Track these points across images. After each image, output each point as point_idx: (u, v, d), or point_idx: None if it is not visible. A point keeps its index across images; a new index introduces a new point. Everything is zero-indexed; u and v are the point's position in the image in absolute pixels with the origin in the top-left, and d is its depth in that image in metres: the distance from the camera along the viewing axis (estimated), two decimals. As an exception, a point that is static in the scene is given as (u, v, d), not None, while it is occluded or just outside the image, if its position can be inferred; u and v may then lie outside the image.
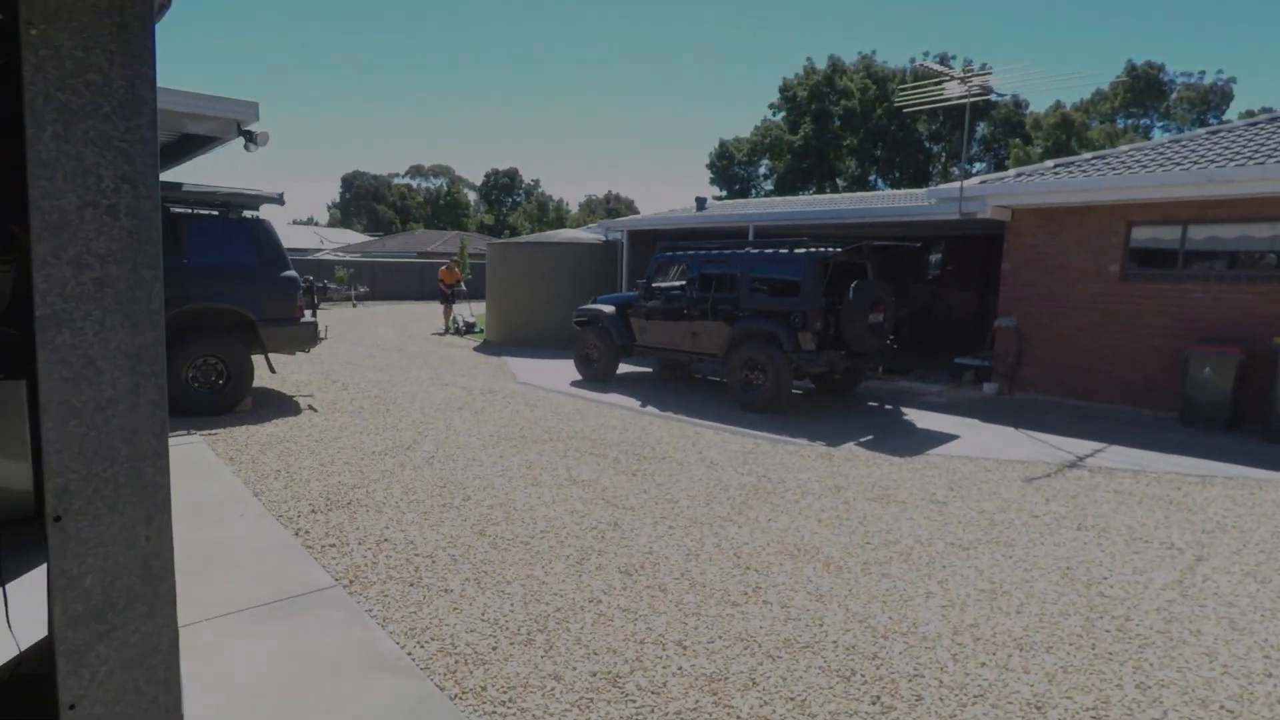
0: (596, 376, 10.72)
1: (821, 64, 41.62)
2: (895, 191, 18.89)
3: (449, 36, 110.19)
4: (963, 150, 12.31)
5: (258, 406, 7.78)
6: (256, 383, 9.01)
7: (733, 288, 9.06)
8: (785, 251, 8.65)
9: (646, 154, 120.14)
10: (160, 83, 1.58)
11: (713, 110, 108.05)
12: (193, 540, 4.16)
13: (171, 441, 6.26)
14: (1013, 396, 9.64)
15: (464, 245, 27.65)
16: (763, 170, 45.57)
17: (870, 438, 7.44)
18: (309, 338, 7.86)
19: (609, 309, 10.65)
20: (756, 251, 8.96)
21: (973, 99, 9.77)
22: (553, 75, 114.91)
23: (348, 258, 33.25)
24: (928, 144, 39.62)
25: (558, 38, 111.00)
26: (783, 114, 43.54)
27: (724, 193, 44.21)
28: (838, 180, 41.09)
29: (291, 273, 7.71)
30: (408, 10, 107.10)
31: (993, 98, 9.84)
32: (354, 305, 26.30)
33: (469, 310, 19.00)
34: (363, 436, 6.72)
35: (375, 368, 11.16)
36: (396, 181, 76.97)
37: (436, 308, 20.94)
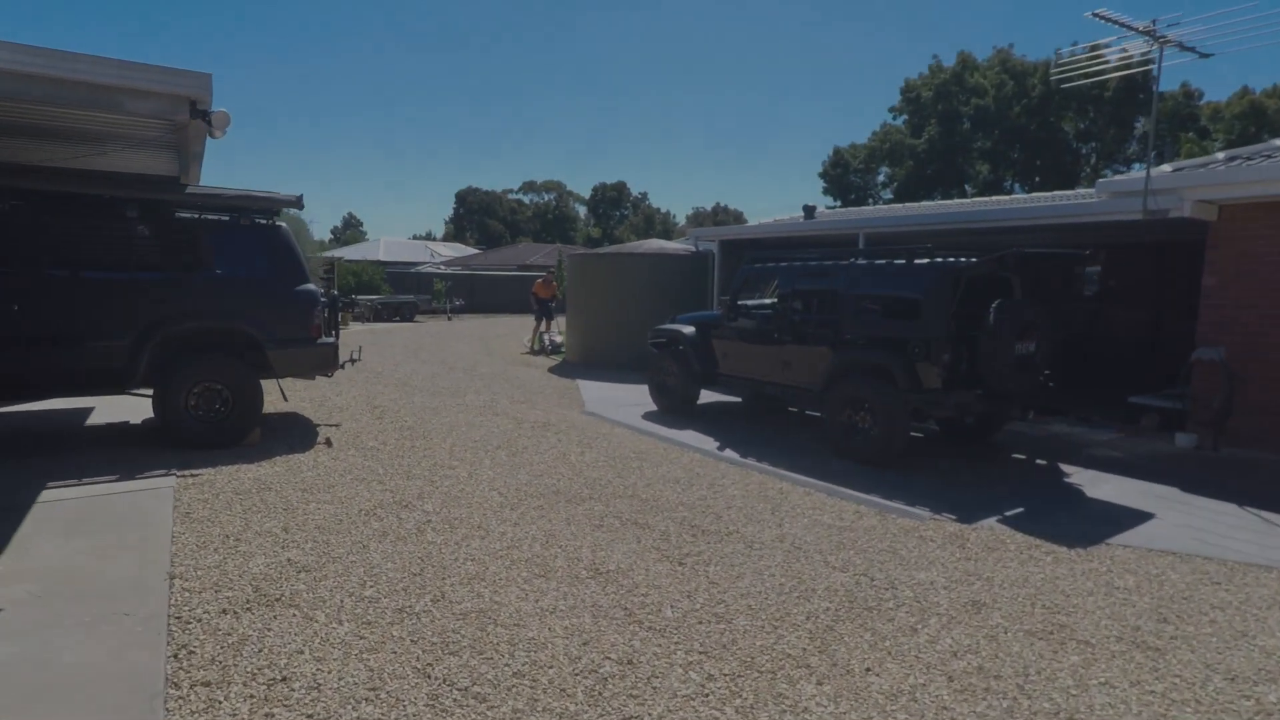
0: (673, 408, 9.21)
1: (950, 61, 38.26)
2: (1044, 193, 16.20)
3: (562, 52, 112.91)
4: (1150, 126, 9.81)
5: (271, 437, 6.80)
6: (286, 408, 8.14)
7: (834, 307, 7.28)
8: (902, 262, 6.79)
9: (756, 165, 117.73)
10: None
11: (826, 119, 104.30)
12: (21, 662, 2.97)
13: (139, 485, 5.26)
14: (1219, 453, 7.22)
15: (561, 257, 26.91)
16: (881, 178, 42.48)
17: (1019, 510, 5.48)
18: (326, 361, 6.82)
19: (688, 330, 9.12)
20: (865, 263, 7.15)
21: (1161, 62, 7.50)
22: (662, 87, 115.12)
23: (448, 271, 33.52)
24: (1075, 144, 35.15)
25: (668, 50, 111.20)
26: (904, 117, 40.35)
27: (837, 202, 41.52)
28: (966, 187, 37.39)
29: (309, 286, 6.70)
30: (525, 30, 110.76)
31: (1187, 61, 7.54)
32: (449, 318, 26.16)
33: (558, 328, 17.93)
34: (361, 486, 5.51)
35: (430, 391, 10.14)
36: (509, 197, 79.00)
37: (531, 322, 20.17)
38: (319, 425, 7.51)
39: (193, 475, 5.55)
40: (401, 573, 3.98)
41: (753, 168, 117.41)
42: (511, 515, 5.01)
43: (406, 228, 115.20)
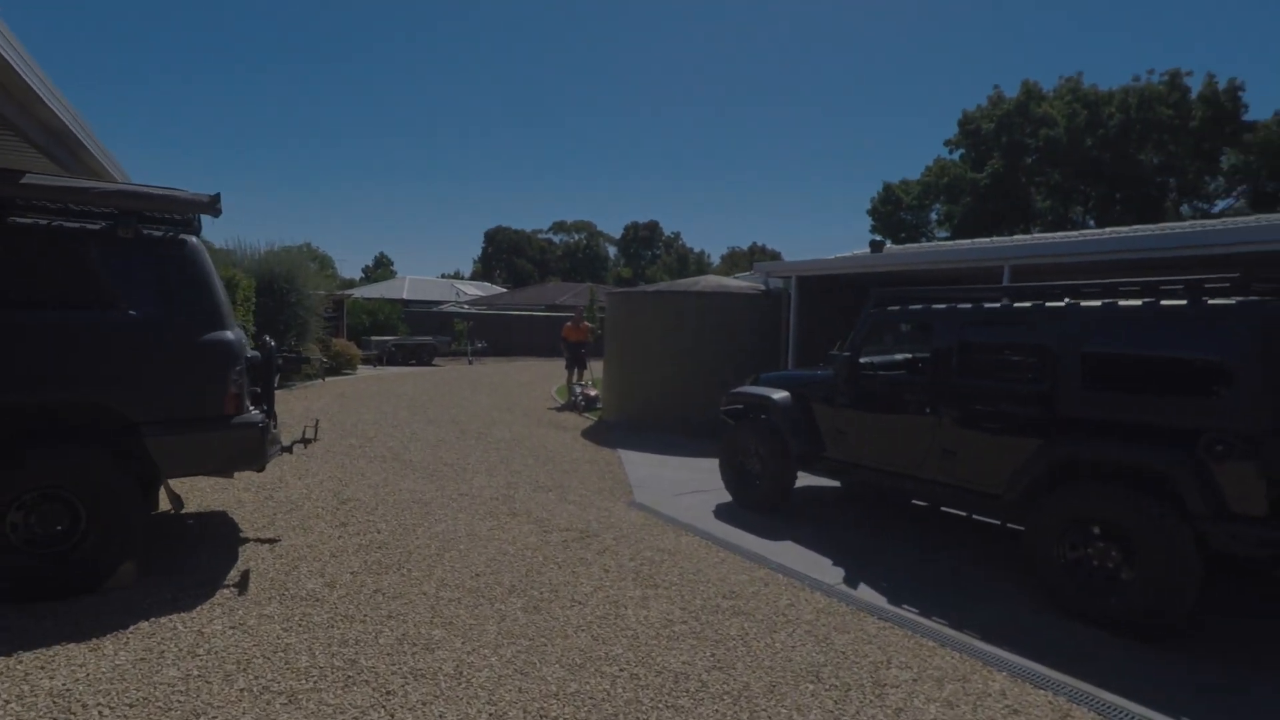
0: (757, 502, 6.60)
1: (1012, 91, 35.76)
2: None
3: (594, 86, 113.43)
4: None
5: (158, 567, 4.28)
6: (207, 505, 5.63)
7: (1041, 372, 4.68)
8: (1184, 305, 4.15)
9: (794, 205, 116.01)
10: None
11: (869, 156, 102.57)
12: None
13: None
14: None
15: (593, 295, 24.61)
16: (935, 215, 39.73)
17: None
18: (248, 452, 4.31)
19: (779, 395, 6.57)
20: (1103, 304, 4.51)
21: None
22: (695, 126, 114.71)
23: (471, 310, 31.36)
24: (1157, 177, 31.97)
25: (704, 88, 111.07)
26: (961, 151, 37.75)
27: (888, 241, 38.92)
28: (1030, 225, 34.53)
29: (224, 335, 4.25)
30: (555, 61, 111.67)
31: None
32: (469, 362, 23.83)
33: (591, 378, 15.39)
34: None
35: (427, 470, 7.60)
36: (539, 237, 77.90)
37: (560, 367, 17.78)
38: (246, 540, 4.98)
39: (-50, 679, 3.04)
40: None
41: (791, 208, 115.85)
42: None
43: (436, 267, 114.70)
